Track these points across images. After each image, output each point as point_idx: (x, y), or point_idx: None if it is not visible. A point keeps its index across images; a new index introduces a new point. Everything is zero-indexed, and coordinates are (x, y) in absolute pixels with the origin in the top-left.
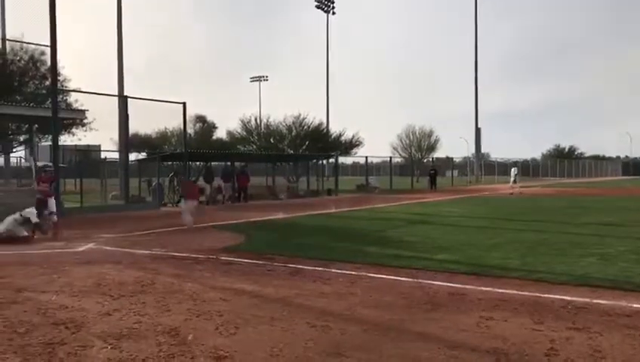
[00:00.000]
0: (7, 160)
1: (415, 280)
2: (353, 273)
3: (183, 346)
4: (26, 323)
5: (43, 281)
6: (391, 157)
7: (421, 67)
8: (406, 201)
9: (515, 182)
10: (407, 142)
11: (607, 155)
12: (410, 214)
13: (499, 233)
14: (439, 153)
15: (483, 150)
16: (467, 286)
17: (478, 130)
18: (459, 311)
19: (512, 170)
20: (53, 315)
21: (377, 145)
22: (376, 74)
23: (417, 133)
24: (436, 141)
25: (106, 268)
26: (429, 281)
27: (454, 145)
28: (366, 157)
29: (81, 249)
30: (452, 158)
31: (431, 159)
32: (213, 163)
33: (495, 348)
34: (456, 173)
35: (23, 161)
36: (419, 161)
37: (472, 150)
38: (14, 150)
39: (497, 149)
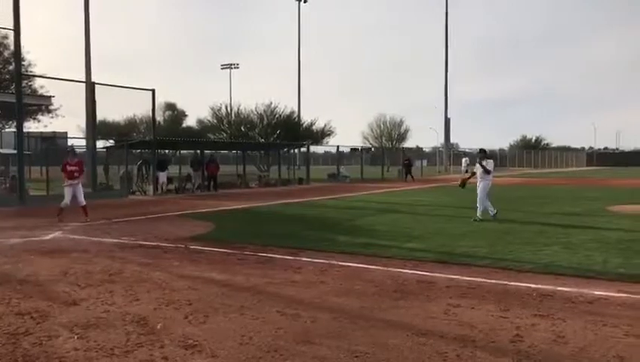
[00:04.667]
0: None
1: (385, 268)
2: (324, 261)
3: (151, 335)
4: None
5: (6, 271)
6: (362, 148)
7: (393, 56)
8: (376, 191)
9: (466, 172)
10: (378, 131)
11: (572, 146)
12: (380, 203)
13: (467, 222)
14: (409, 143)
15: (452, 140)
16: (436, 275)
17: (447, 120)
18: (427, 298)
19: (463, 160)
20: (18, 305)
21: (349, 134)
22: (349, 63)
23: (388, 122)
24: (406, 131)
25: (73, 257)
26: (399, 270)
27: (424, 135)
28: (337, 146)
29: (47, 237)
30: (422, 148)
31: (402, 149)
32: (183, 151)
33: (463, 335)
34: (425, 162)
35: None
36: (389, 150)
37: (442, 140)
38: None
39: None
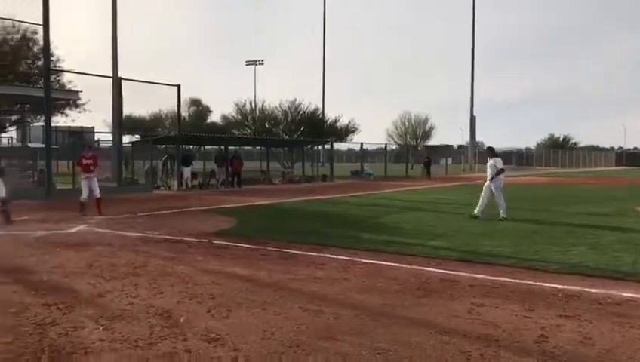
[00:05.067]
0: None
1: (408, 266)
2: (347, 258)
3: (175, 328)
4: (18, 303)
5: (34, 262)
6: (386, 145)
7: (419, 53)
8: (400, 188)
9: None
10: (403, 129)
11: (601, 146)
12: (404, 201)
13: (491, 221)
14: (434, 141)
15: (478, 138)
16: (459, 273)
17: (473, 118)
18: (451, 297)
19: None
20: (44, 296)
21: (373, 132)
22: (374, 60)
23: (412, 120)
24: (431, 128)
25: (98, 250)
26: (422, 267)
27: (450, 133)
28: (361, 143)
29: (72, 230)
30: (447, 146)
31: (424, 147)
32: (207, 146)
33: (486, 334)
34: (450, 161)
35: (14, 141)
36: (414, 149)
37: (467, 138)
38: (6, 130)
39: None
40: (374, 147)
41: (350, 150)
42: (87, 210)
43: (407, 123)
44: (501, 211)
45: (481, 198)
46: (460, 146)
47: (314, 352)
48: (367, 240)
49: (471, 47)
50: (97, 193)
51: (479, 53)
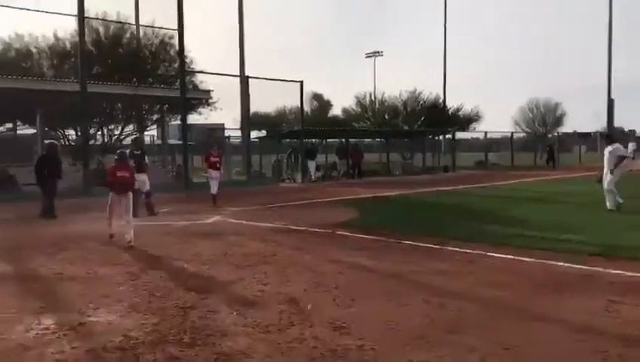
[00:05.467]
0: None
1: (538, 260)
2: (471, 252)
3: (302, 315)
4: (162, 288)
5: (176, 250)
6: (512, 133)
7: (546, 34)
8: (528, 179)
9: (633, 158)
10: (531, 116)
11: None
12: (532, 192)
13: (632, 213)
14: (566, 128)
15: (617, 124)
16: (595, 269)
17: (610, 102)
18: (585, 294)
19: (630, 144)
20: (186, 281)
21: (498, 119)
22: (497, 43)
23: (541, 106)
24: (562, 115)
25: (231, 239)
26: (553, 262)
27: (584, 119)
28: (485, 132)
29: (208, 221)
30: (584, 134)
31: (555, 134)
32: (329, 139)
33: (626, 334)
34: (585, 149)
35: (155, 138)
36: (543, 137)
37: (605, 124)
38: (148, 129)
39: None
40: (499, 136)
41: (474, 139)
42: (218, 202)
43: (535, 109)
44: (609, 203)
45: (606, 192)
46: (596, 133)
47: (439, 345)
48: (493, 233)
49: (607, 22)
50: (215, 190)
51: (617, 28)
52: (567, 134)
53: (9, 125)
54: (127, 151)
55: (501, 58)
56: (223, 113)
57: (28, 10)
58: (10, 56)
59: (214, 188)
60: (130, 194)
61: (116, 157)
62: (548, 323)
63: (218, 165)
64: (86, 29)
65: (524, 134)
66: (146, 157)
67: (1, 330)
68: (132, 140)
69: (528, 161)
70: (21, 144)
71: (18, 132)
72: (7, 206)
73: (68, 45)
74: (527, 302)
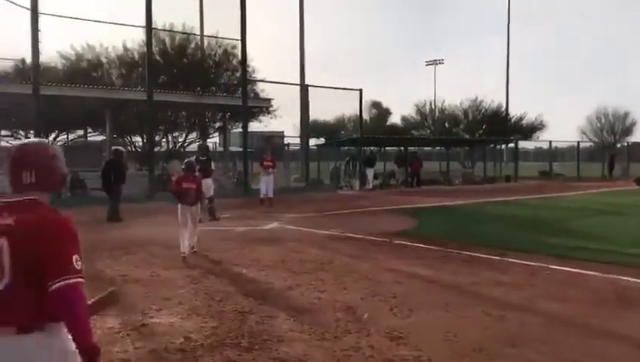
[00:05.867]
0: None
1: (603, 274)
2: (533, 264)
3: (359, 324)
4: (222, 292)
5: (235, 255)
6: (579, 142)
7: (616, 39)
8: (594, 190)
9: None
10: (598, 125)
11: None
12: (599, 204)
13: None
14: (636, 137)
15: None
16: None
17: None
18: None
19: None
20: (244, 286)
21: (563, 128)
22: (564, 50)
23: (610, 115)
24: (633, 124)
25: (289, 246)
26: (620, 276)
27: None
28: (550, 141)
29: (266, 227)
30: None
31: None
32: (387, 148)
33: None
34: None
35: (217, 145)
36: (612, 146)
37: None
38: (210, 136)
39: None
40: (565, 145)
41: (537, 148)
42: (265, 205)
43: (603, 118)
44: None
45: None
46: None
47: (498, 358)
48: (556, 245)
49: None
50: (271, 193)
51: None
52: (637, 144)
53: (80, 132)
54: (194, 157)
55: (567, 65)
56: (282, 121)
57: (100, 22)
58: (83, 67)
59: (264, 191)
60: (198, 204)
61: (183, 166)
62: (612, 339)
63: (270, 170)
64: (153, 40)
65: (592, 144)
66: (212, 163)
67: None
68: (198, 146)
69: (596, 171)
70: (91, 150)
71: (88, 139)
72: (77, 209)
73: (136, 55)
74: (590, 316)
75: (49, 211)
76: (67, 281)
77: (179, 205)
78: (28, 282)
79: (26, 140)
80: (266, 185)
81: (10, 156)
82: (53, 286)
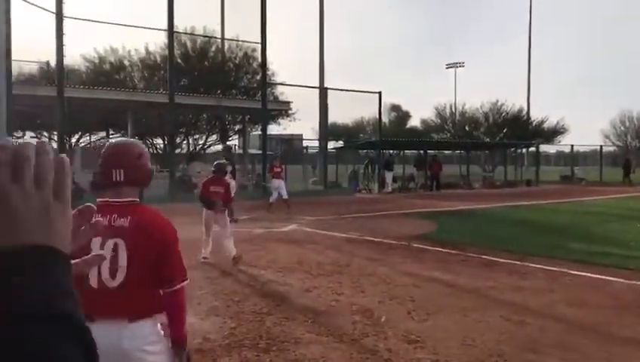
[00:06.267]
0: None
1: (626, 281)
2: (554, 269)
3: (376, 327)
4: (240, 293)
5: (253, 257)
6: (601, 146)
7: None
8: (617, 195)
9: None
10: (622, 129)
11: None
12: (622, 209)
13: None
14: None
15: None
16: None
17: None
18: None
19: None
20: (262, 288)
21: (586, 132)
22: (585, 53)
23: (635, 119)
24: None
25: (307, 248)
26: None
27: None
28: (571, 145)
29: (284, 229)
30: None
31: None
32: (407, 151)
33: None
34: None
35: (236, 148)
36: (636, 151)
37: None
38: (230, 139)
39: None
40: (587, 149)
41: (559, 152)
42: (274, 209)
43: (627, 122)
44: None
45: None
46: None
47: None
48: (578, 250)
49: None
50: (285, 195)
51: None
52: None
53: (102, 133)
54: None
55: (591, 68)
56: (301, 124)
57: (122, 25)
58: (105, 69)
59: (276, 196)
60: (225, 210)
61: (213, 168)
62: (634, 346)
63: (282, 174)
64: (175, 43)
65: (615, 148)
66: (235, 166)
67: None
68: (223, 148)
69: (619, 176)
70: None
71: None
72: None
73: (158, 58)
74: (612, 323)
75: (157, 214)
76: (182, 284)
77: (204, 210)
78: (141, 280)
79: (115, 140)
80: (277, 190)
81: (101, 155)
82: (171, 288)
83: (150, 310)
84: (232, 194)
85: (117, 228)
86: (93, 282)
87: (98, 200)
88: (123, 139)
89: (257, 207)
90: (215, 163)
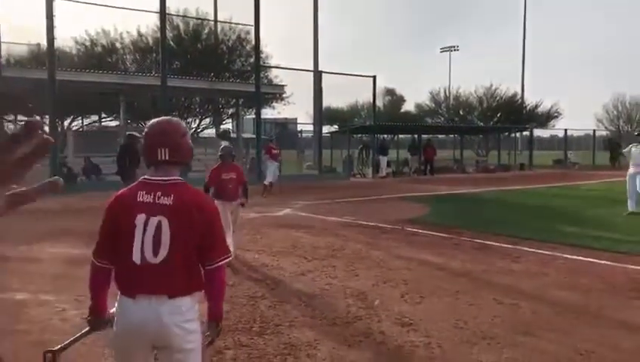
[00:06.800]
0: (217, 131)
1: (618, 264)
2: (546, 253)
3: (370, 310)
4: (234, 277)
5: (248, 241)
6: (595, 130)
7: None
8: (610, 179)
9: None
10: (615, 113)
11: None
12: (614, 193)
13: None
14: None
15: None
16: None
17: None
18: None
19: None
20: (256, 272)
21: (579, 117)
22: (582, 39)
23: (627, 103)
24: None
25: (301, 232)
26: (634, 266)
27: None
28: (565, 130)
29: (279, 214)
30: None
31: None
32: (401, 135)
33: None
34: None
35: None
36: (627, 135)
37: None
38: (223, 122)
39: None
40: (581, 133)
41: (553, 137)
42: (268, 193)
43: (620, 106)
44: (630, 205)
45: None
46: None
47: (509, 346)
48: (571, 234)
49: None
50: (271, 179)
51: None
52: None
53: (95, 117)
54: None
55: (584, 52)
56: (295, 108)
57: (114, 7)
58: (97, 52)
59: (270, 178)
60: (238, 200)
61: (220, 153)
62: (628, 329)
63: (279, 157)
64: (167, 25)
65: (608, 132)
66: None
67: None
68: (220, 133)
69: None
70: (106, 136)
71: (102, 124)
72: (92, 194)
73: (150, 41)
74: (604, 306)
75: (199, 192)
76: (225, 261)
77: (216, 202)
78: (183, 257)
79: (158, 119)
80: (273, 172)
81: (146, 134)
82: (214, 265)
83: (190, 287)
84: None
85: (161, 206)
86: (136, 258)
87: (143, 177)
88: (167, 117)
89: (251, 191)
90: (222, 147)
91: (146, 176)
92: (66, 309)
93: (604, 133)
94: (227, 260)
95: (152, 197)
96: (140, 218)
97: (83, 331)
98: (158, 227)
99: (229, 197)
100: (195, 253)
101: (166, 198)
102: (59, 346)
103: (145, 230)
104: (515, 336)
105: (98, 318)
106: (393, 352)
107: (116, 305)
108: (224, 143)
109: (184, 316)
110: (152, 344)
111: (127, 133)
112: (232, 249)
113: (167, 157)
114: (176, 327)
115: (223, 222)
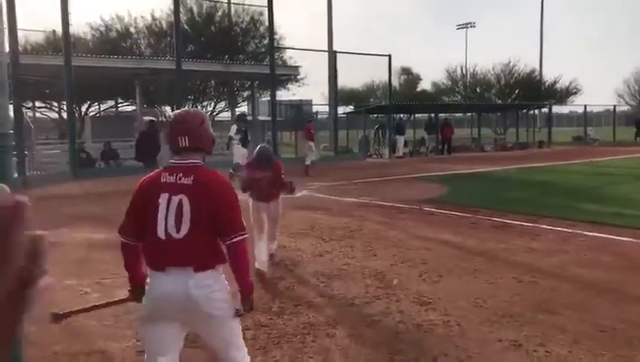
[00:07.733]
0: (233, 114)
1: (638, 241)
2: (566, 230)
3: (388, 289)
4: (253, 258)
5: None
6: (615, 106)
7: None
8: (632, 155)
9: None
10: (637, 88)
11: None
12: (634, 169)
13: None
14: None
15: None
16: None
17: None
18: None
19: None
20: (275, 253)
21: (599, 92)
22: (600, 10)
23: None
24: None
25: (319, 213)
26: None
27: None
28: (584, 106)
29: (297, 195)
30: None
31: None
32: (417, 115)
33: None
34: None
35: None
36: None
37: None
38: (239, 105)
39: None
40: (601, 109)
41: (572, 113)
42: (313, 171)
43: None
44: None
45: None
46: None
47: (528, 324)
48: (591, 211)
49: None
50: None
51: None
52: None
53: (111, 102)
54: (235, 127)
55: (604, 25)
56: (310, 89)
57: None
58: (112, 37)
59: (313, 156)
60: (278, 201)
61: (256, 155)
62: None
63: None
64: (181, 8)
65: (629, 107)
66: (248, 134)
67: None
68: (237, 116)
69: (632, 135)
70: (123, 121)
71: (119, 109)
72: (112, 179)
73: (164, 25)
74: (625, 283)
75: (216, 173)
76: (243, 236)
77: (250, 201)
78: (203, 232)
79: (181, 110)
80: (314, 151)
81: (168, 124)
82: (233, 240)
83: (213, 261)
84: (238, 161)
85: (181, 186)
86: (161, 234)
87: (170, 161)
88: (186, 108)
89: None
90: (259, 148)
91: (170, 161)
92: (88, 292)
93: (625, 108)
94: (242, 237)
95: (174, 178)
96: (164, 197)
97: (94, 303)
98: (180, 205)
99: (262, 197)
100: (213, 228)
101: (186, 178)
102: (67, 310)
103: (168, 208)
104: (534, 314)
105: (137, 286)
106: (412, 331)
107: (148, 280)
108: (262, 145)
109: (211, 288)
110: (183, 317)
111: (147, 119)
112: (263, 256)
113: (187, 144)
114: (204, 299)
115: (253, 224)
